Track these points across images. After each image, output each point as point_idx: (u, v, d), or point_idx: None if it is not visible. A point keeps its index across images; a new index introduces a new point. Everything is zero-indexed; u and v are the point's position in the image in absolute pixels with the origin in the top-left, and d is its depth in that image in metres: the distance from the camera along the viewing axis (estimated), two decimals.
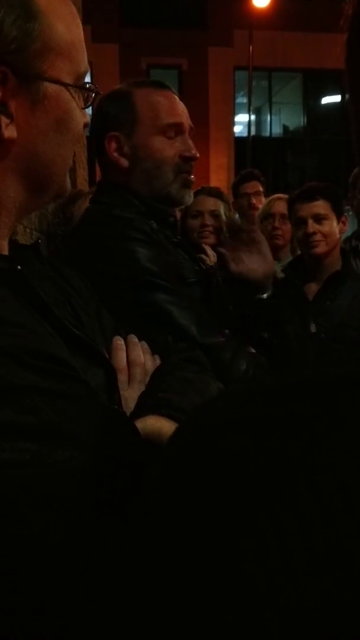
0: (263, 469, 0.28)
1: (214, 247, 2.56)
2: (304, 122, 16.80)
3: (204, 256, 2.22)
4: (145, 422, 0.79)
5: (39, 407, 0.58)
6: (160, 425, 0.78)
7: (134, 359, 0.94)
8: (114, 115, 1.34)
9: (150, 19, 14.73)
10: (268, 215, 3.05)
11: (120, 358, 0.93)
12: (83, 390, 0.68)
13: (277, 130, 17.13)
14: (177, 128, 1.35)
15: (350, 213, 2.67)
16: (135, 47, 14.38)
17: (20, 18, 0.68)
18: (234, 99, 15.80)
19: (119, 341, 0.95)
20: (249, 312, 1.48)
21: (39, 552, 0.55)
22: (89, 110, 0.86)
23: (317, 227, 2.29)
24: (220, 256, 1.56)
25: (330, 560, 0.26)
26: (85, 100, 0.80)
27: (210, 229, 2.63)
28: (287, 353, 1.65)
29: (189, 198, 1.41)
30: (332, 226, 2.31)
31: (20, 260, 0.77)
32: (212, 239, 2.61)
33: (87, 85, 0.79)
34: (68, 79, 0.75)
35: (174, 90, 1.40)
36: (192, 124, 1.40)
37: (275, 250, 3.09)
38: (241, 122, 16.45)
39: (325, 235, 2.30)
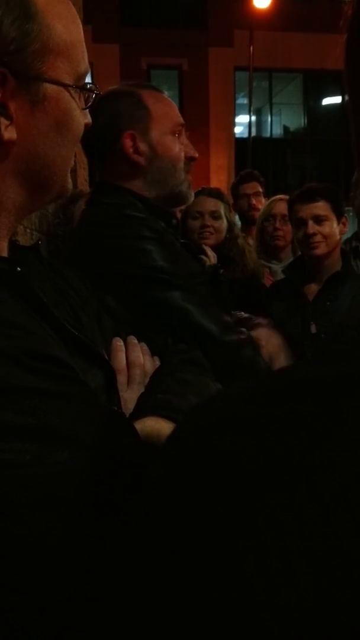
0: (263, 468, 0.28)
1: (214, 248, 2.57)
2: (304, 122, 16.82)
3: (204, 257, 2.23)
4: (144, 423, 0.79)
5: (39, 408, 0.58)
6: (159, 426, 0.78)
7: (134, 360, 0.94)
8: (125, 112, 1.31)
9: (151, 19, 14.75)
10: (269, 216, 3.05)
11: (120, 359, 0.93)
12: (82, 392, 0.68)
13: (277, 131, 17.15)
14: (181, 128, 1.36)
15: (351, 214, 2.67)
16: (135, 47, 14.41)
17: (19, 19, 0.68)
18: (235, 99, 15.83)
19: (118, 342, 0.95)
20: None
21: (39, 552, 0.55)
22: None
23: (317, 228, 2.29)
24: (219, 257, 1.57)
25: (330, 560, 0.26)
26: (86, 101, 0.80)
27: (211, 229, 2.63)
28: None
29: (192, 197, 1.43)
30: (332, 227, 2.31)
31: (20, 261, 0.77)
32: (212, 240, 2.61)
33: (88, 86, 0.79)
34: (68, 80, 0.74)
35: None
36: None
37: (276, 251, 3.09)
38: (241, 122, 16.48)
39: (325, 236, 2.30)
